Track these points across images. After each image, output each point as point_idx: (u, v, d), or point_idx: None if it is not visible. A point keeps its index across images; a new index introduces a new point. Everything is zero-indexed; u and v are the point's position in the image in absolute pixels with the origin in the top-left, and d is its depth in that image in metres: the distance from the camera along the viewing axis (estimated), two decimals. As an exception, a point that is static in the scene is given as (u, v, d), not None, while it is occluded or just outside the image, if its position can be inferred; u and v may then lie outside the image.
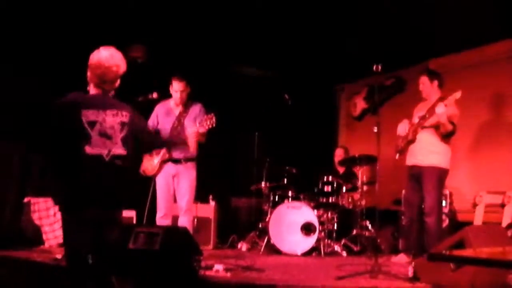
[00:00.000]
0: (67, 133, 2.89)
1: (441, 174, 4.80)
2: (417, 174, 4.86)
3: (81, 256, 2.85)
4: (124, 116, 3.01)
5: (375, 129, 4.44)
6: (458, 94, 4.47)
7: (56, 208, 5.68)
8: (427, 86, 4.92)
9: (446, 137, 4.79)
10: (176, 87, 4.85)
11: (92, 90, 3.05)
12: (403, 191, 5.62)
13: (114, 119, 2.96)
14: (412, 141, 4.85)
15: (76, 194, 2.86)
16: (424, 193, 4.78)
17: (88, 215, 2.84)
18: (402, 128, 4.96)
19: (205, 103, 5.02)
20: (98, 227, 2.87)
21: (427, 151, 4.79)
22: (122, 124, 2.99)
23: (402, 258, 4.92)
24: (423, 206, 4.83)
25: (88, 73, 3.03)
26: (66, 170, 2.91)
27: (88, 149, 2.86)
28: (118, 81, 3.09)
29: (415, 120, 4.93)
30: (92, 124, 2.89)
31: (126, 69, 3.07)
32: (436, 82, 4.91)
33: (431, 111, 4.71)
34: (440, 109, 4.49)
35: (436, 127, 4.76)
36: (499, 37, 5.80)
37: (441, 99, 4.65)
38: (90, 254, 2.84)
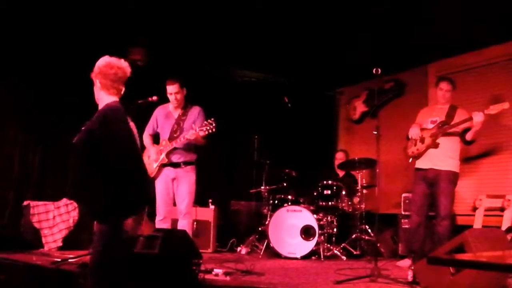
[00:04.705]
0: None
1: (456, 179, 4.90)
2: (432, 178, 4.87)
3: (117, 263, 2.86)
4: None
5: (375, 132, 4.46)
6: (506, 105, 4.59)
7: (56, 211, 5.68)
8: (451, 93, 5.00)
9: (470, 143, 4.90)
10: (170, 89, 4.87)
11: (107, 98, 3.00)
12: (409, 194, 5.60)
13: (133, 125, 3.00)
14: (435, 146, 4.86)
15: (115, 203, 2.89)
16: (441, 197, 4.78)
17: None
18: (415, 132, 4.96)
19: (205, 106, 5.03)
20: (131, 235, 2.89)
21: (446, 156, 4.85)
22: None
23: (406, 262, 4.90)
24: (437, 210, 4.81)
25: (101, 81, 2.97)
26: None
27: None
28: None
29: (428, 125, 4.96)
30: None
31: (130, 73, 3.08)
32: (454, 90, 5.04)
33: (450, 117, 4.83)
34: (478, 117, 4.60)
35: (461, 133, 4.84)
36: (498, 40, 5.81)
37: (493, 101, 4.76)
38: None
